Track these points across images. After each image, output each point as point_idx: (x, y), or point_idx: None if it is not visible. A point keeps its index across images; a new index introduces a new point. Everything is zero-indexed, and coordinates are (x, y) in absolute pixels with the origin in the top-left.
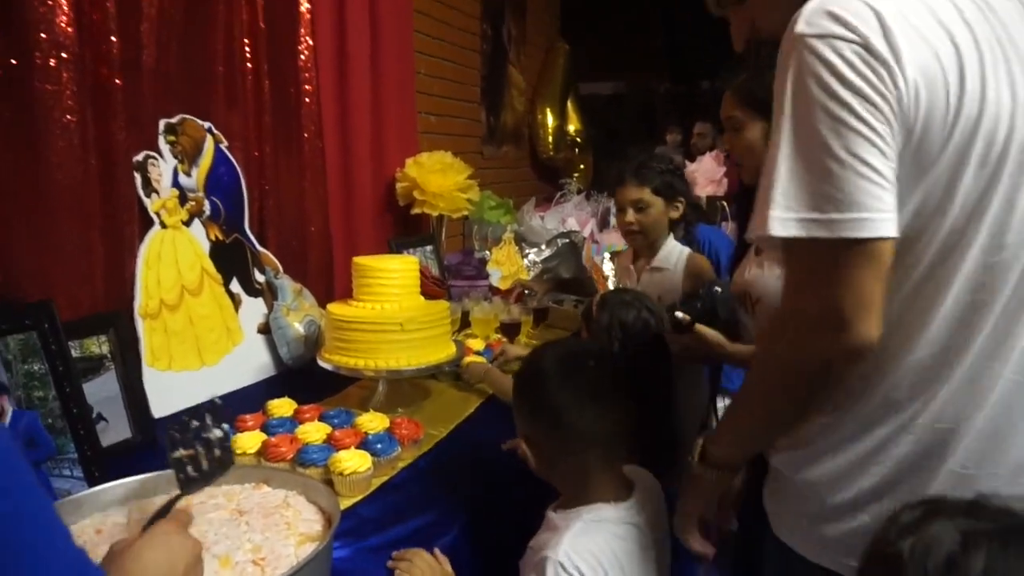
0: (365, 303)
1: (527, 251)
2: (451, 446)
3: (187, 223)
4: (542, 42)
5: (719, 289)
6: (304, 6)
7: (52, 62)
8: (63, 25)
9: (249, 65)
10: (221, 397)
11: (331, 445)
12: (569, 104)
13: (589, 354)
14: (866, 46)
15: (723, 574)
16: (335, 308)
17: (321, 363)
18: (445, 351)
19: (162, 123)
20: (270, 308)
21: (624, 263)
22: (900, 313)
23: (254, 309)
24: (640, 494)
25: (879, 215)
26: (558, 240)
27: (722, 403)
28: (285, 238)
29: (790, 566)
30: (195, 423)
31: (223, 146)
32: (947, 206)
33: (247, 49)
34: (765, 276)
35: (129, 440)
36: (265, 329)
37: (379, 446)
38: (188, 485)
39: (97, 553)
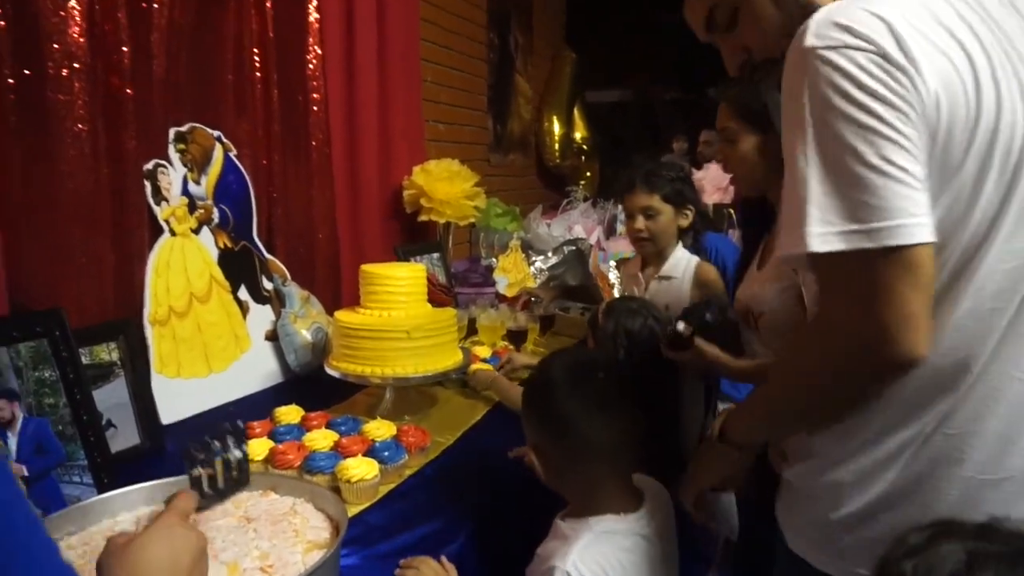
0: (372, 310)
1: (534, 258)
2: (458, 454)
3: (196, 231)
4: (548, 50)
5: (711, 314)
6: (313, 15)
7: (64, 72)
8: (75, 36)
9: (258, 74)
10: (229, 404)
11: (338, 452)
12: (575, 112)
13: (598, 364)
14: (883, 55)
15: None
16: (342, 315)
17: (328, 370)
18: (452, 358)
19: (172, 132)
20: (278, 315)
21: (632, 271)
22: None
23: (262, 316)
24: (650, 504)
25: (920, 219)
26: (564, 248)
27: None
28: (293, 245)
29: None
30: (216, 443)
31: (232, 154)
32: (969, 215)
33: (256, 58)
34: (767, 291)
35: (138, 446)
36: (273, 336)
37: (386, 453)
38: (202, 502)
39: None
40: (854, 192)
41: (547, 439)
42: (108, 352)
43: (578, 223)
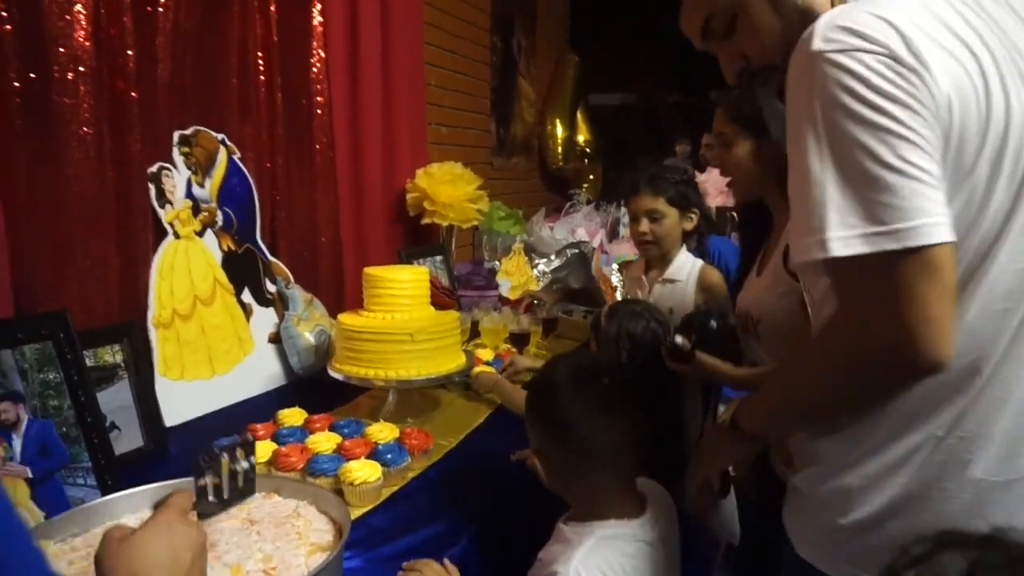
0: (375, 313)
1: (537, 261)
2: (461, 456)
3: (200, 233)
4: (552, 54)
5: (715, 322)
6: (317, 19)
7: (70, 76)
8: (81, 39)
9: (262, 78)
10: (232, 406)
11: (341, 455)
12: (578, 115)
13: (602, 368)
14: (893, 57)
15: None
16: (345, 318)
17: (331, 373)
18: (455, 361)
19: (176, 135)
20: (281, 318)
21: (635, 274)
22: None
23: (265, 319)
24: (653, 509)
25: (940, 219)
26: (567, 250)
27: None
28: (296, 248)
29: None
30: (225, 455)
31: (236, 157)
32: (981, 216)
33: (260, 62)
34: (766, 296)
35: (142, 448)
36: (276, 339)
37: (389, 456)
38: (206, 510)
39: None
40: (873, 193)
41: (550, 443)
42: (112, 354)
43: (581, 226)
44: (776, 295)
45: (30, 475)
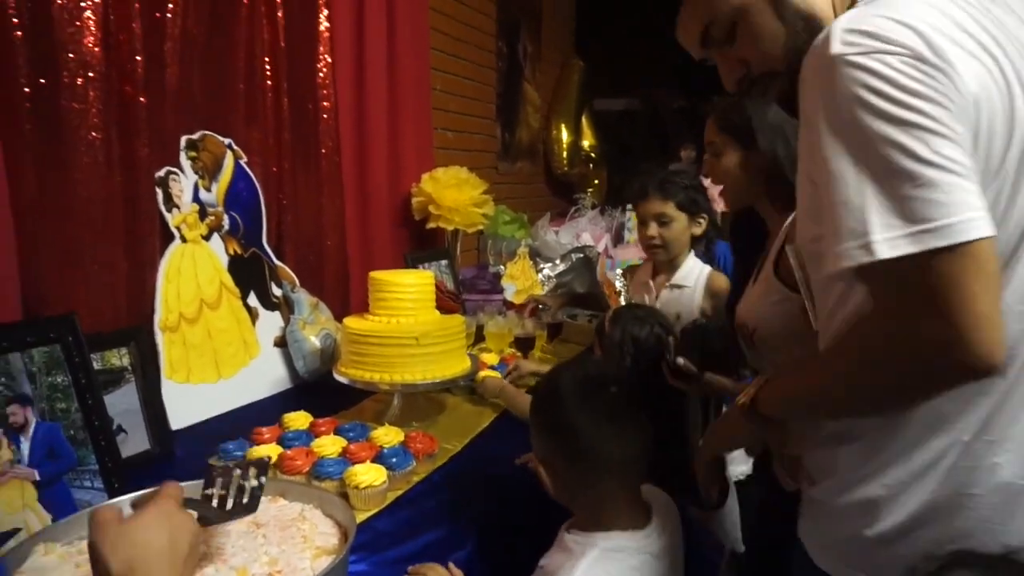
0: (381, 317)
1: (541, 266)
2: (466, 460)
3: (207, 237)
4: (557, 59)
5: (719, 341)
6: (323, 24)
7: (79, 81)
8: (90, 45)
9: (269, 82)
10: (237, 410)
11: (346, 458)
12: (583, 120)
13: (609, 377)
14: (917, 57)
15: None
16: (351, 322)
17: (337, 376)
18: (460, 365)
19: (183, 139)
20: (287, 322)
21: (642, 278)
22: None
23: (271, 323)
24: (658, 519)
25: (982, 212)
26: (572, 255)
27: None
28: (302, 252)
29: None
30: (238, 471)
31: (242, 162)
32: (1008, 217)
33: (267, 67)
34: (759, 305)
35: (148, 451)
36: (281, 343)
37: (394, 460)
38: (205, 518)
39: None
40: (914, 190)
41: (557, 453)
42: (119, 358)
43: (586, 231)
44: (770, 303)
45: (38, 478)
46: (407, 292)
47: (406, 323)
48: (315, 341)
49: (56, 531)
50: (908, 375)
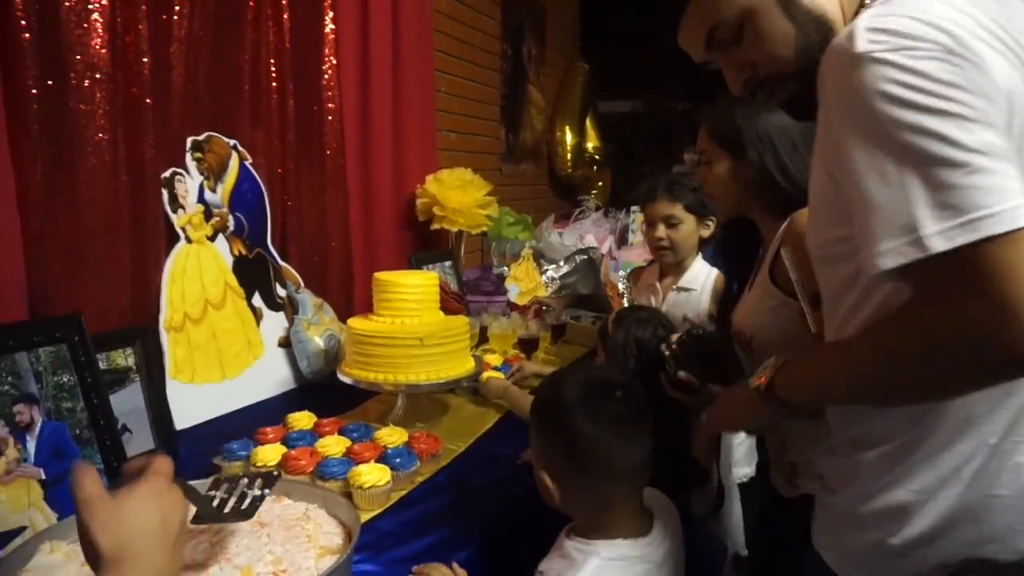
0: (385, 318)
1: (545, 267)
2: (469, 461)
3: (212, 238)
4: (561, 61)
5: (721, 351)
6: (329, 27)
7: (86, 82)
8: (97, 47)
9: (275, 84)
10: (242, 410)
11: (350, 459)
12: (587, 122)
13: (614, 383)
14: (948, 51)
15: None
16: (355, 322)
17: (341, 377)
18: (464, 366)
19: (189, 140)
20: (291, 322)
21: (649, 280)
22: None
23: (275, 323)
24: (660, 525)
25: None
26: (576, 256)
27: None
28: (306, 253)
29: None
30: (245, 479)
31: (248, 163)
32: None
33: (273, 69)
34: (756, 312)
35: (153, 451)
36: (286, 343)
37: (398, 460)
38: (200, 517)
39: None
40: (962, 178)
41: (559, 458)
42: (124, 358)
43: (590, 232)
44: (767, 309)
45: (43, 477)
46: (411, 293)
47: (410, 324)
48: (319, 342)
49: (61, 530)
50: (954, 365)
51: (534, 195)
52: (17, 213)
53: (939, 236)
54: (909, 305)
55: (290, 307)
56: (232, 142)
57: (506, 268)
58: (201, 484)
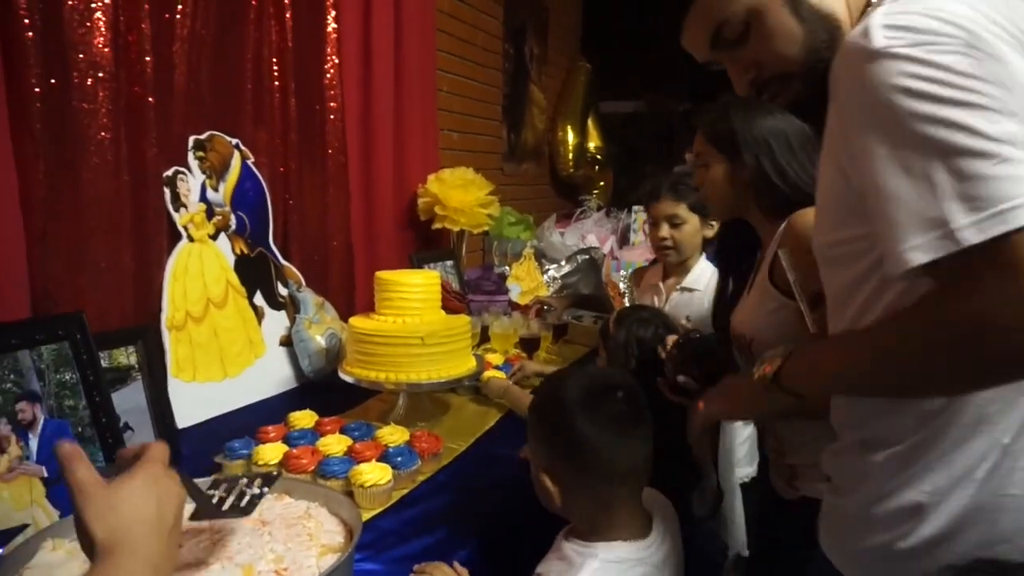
0: (387, 317)
1: (547, 267)
2: (470, 460)
3: (213, 237)
4: (563, 61)
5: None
6: (331, 26)
7: (89, 81)
8: (100, 46)
9: (277, 83)
10: (243, 409)
11: (352, 457)
12: (589, 122)
13: (615, 383)
14: (967, 45)
15: None
16: (357, 321)
17: (342, 376)
18: (465, 365)
19: (191, 139)
20: (292, 321)
21: (652, 280)
22: None
23: (277, 322)
24: (659, 527)
25: None
26: (578, 256)
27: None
28: (308, 252)
29: None
30: (245, 479)
31: (249, 162)
32: None
33: (275, 68)
34: (755, 314)
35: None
36: (287, 342)
37: (399, 459)
38: (198, 512)
39: None
40: (992, 168)
41: (562, 464)
42: (126, 356)
43: (591, 232)
44: (766, 312)
45: (46, 474)
46: (413, 292)
47: (412, 323)
48: (320, 341)
49: (64, 527)
50: (982, 357)
51: (536, 195)
52: (20, 212)
53: (971, 228)
54: (932, 298)
55: (291, 306)
56: (234, 141)
57: (507, 268)
58: (201, 483)
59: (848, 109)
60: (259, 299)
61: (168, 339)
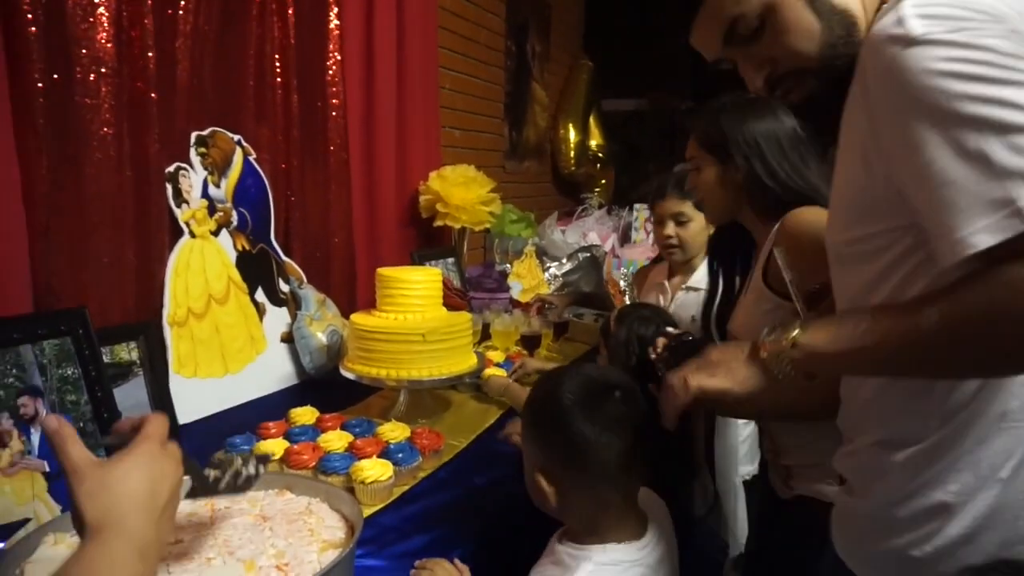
0: (388, 313)
1: (548, 265)
2: (471, 457)
3: (215, 233)
4: (566, 59)
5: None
6: (334, 23)
7: (92, 77)
8: (103, 42)
9: (279, 80)
10: (244, 405)
11: (353, 454)
12: (591, 120)
13: (612, 382)
14: (1009, 28)
15: None
16: (358, 318)
17: (343, 372)
18: (466, 362)
19: (193, 135)
20: (294, 318)
21: (658, 279)
22: None
23: (278, 318)
24: (654, 528)
25: None
26: (579, 254)
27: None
28: (310, 249)
29: None
30: (239, 460)
31: (252, 158)
32: None
33: (277, 64)
34: (751, 316)
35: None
36: (288, 338)
37: (400, 455)
38: (195, 491)
39: None
40: None
41: (559, 461)
42: (128, 351)
43: (593, 230)
44: (761, 313)
45: (47, 469)
46: (414, 289)
47: (413, 320)
48: (322, 337)
49: (65, 522)
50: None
51: (537, 192)
52: (22, 207)
53: None
54: (986, 282)
55: (293, 302)
56: (236, 137)
57: (509, 265)
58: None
59: (883, 100)
60: (260, 295)
61: (170, 335)
